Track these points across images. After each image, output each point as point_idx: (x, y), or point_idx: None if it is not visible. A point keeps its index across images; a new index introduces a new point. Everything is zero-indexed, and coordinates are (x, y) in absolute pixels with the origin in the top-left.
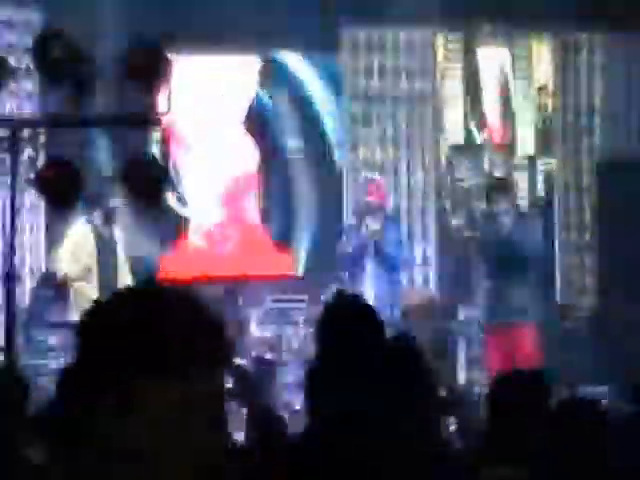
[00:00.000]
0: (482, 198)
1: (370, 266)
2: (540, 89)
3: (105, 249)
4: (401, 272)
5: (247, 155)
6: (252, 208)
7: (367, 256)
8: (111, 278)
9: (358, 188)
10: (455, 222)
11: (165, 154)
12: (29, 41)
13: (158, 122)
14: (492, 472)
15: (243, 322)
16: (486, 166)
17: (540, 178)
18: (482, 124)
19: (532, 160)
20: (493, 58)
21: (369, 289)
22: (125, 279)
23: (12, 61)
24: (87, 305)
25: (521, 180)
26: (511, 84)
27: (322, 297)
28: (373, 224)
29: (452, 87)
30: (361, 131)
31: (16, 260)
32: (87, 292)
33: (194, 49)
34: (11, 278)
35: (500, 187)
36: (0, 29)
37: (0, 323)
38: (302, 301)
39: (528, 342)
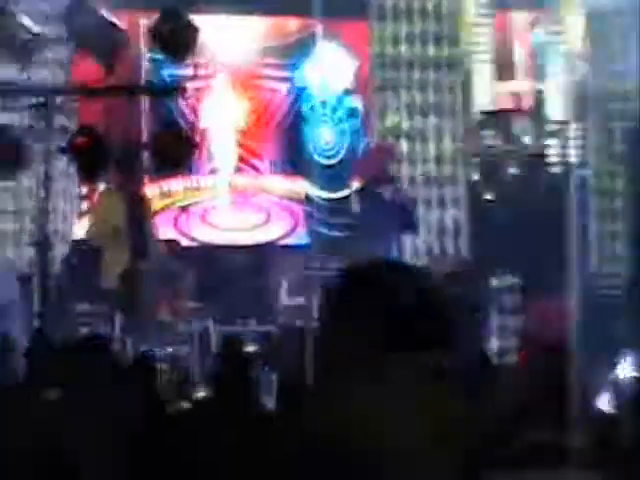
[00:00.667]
0: (513, 164)
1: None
2: (572, 55)
3: (135, 216)
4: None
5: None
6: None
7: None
8: (139, 243)
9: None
10: (485, 189)
11: (191, 121)
12: (62, 10)
13: (184, 90)
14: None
15: (274, 289)
16: (515, 132)
17: (572, 144)
18: (512, 90)
19: (564, 125)
20: (524, 23)
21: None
22: (154, 243)
23: (45, 30)
24: (118, 269)
25: (553, 146)
26: (542, 49)
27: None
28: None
29: (482, 52)
30: (389, 98)
31: (49, 227)
32: (118, 257)
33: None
34: (44, 244)
35: None
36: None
37: (33, 288)
38: (332, 269)
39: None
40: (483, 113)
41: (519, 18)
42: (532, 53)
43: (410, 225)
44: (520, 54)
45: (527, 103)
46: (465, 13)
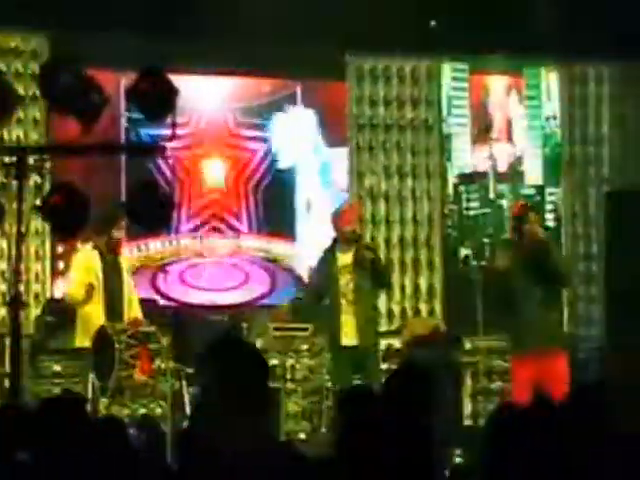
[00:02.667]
0: (489, 228)
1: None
2: (548, 119)
3: (111, 275)
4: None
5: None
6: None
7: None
8: (116, 303)
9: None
10: (463, 252)
11: (170, 180)
12: (36, 69)
13: (163, 149)
14: None
15: None
16: (492, 195)
17: (548, 208)
18: (490, 153)
19: (540, 190)
20: (501, 87)
21: None
22: (130, 305)
23: (19, 89)
24: (92, 329)
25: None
26: (519, 113)
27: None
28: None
29: (459, 116)
30: (366, 160)
31: (21, 287)
32: (93, 317)
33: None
34: (17, 305)
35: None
36: (7, 56)
37: (5, 349)
38: (305, 329)
39: (561, 369)
40: (460, 176)
41: (497, 82)
42: (509, 117)
43: (381, 282)
44: (497, 118)
45: (504, 166)
46: (442, 76)
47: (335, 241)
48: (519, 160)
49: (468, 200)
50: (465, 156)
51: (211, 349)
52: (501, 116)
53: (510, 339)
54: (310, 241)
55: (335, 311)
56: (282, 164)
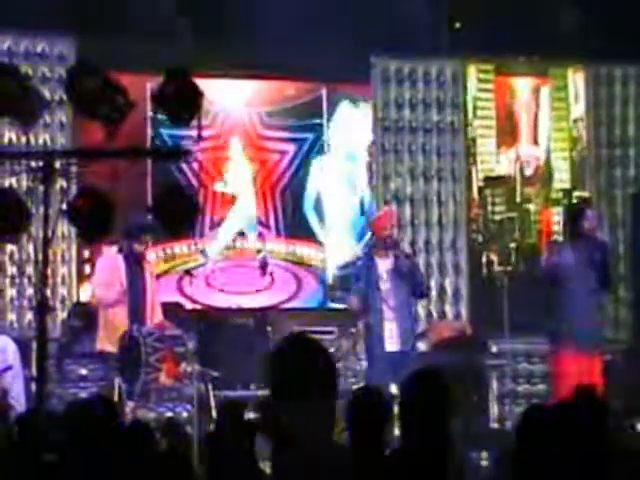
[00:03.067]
0: (515, 232)
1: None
2: (575, 121)
3: (135, 279)
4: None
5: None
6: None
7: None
8: (140, 307)
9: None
10: (489, 256)
11: (196, 185)
12: (62, 73)
13: (189, 153)
14: None
15: None
16: (519, 199)
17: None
18: (516, 156)
19: (567, 193)
20: (527, 89)
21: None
22: (153, 310)
23: (46, 93)
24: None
25: (556, 213)
26: (546, 116)
27: (352, 329)
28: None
29: (484, 118)
30: (392, 163)
31: (48, 291)
32: (117, 320)
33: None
34: (43, 309)
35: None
36: (34, 60)
37: (32, 352)
38: (331, 332)
39: (597, 370)
40: (486, 179)
41: (522, 84)
42: (535, 119)
43: (419, 291)
44: (523, 120)
45: (530, 169)
46: (468, 79)
47: (373, 247)
48: (546, 163)
49: (494, 204)
50: (491, 159)
51: (281, 348)
52: (527, 118)
53: (555, 339)
54: (334, 246)
55: (379, 316)
56: (334, 154)
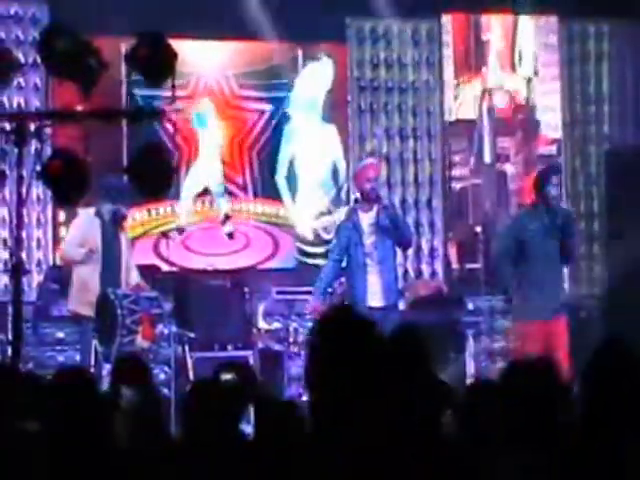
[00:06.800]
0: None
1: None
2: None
3: (110, 242)
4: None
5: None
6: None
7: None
8: (114, 270)
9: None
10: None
11: (171, 146)
12: (36, 35)
13: (163, 114)
14: (510, 460)
15: (250, 314)
16: (488, 158)
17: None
18: (482, 89)
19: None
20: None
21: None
22: (129, 273)
23: (19, 55)
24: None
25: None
26: (530, 42)
27: (329, 289)
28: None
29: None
30: (368, 122)
31: (23, 254)
32: (90, 282)
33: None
34: (18, 271)
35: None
36: (7, 23)
37: (8, 316)
38: (308, 292)
39: (563, 333)
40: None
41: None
42: (512, 44)
43: (405, 241)
44: (494, 46)
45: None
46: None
47: (356, 200)
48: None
49: (451, 165)
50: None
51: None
52: (501, 45)
53: (516, 306)
54: (305, 205)
55: (362, 271)
56: (294, 112)
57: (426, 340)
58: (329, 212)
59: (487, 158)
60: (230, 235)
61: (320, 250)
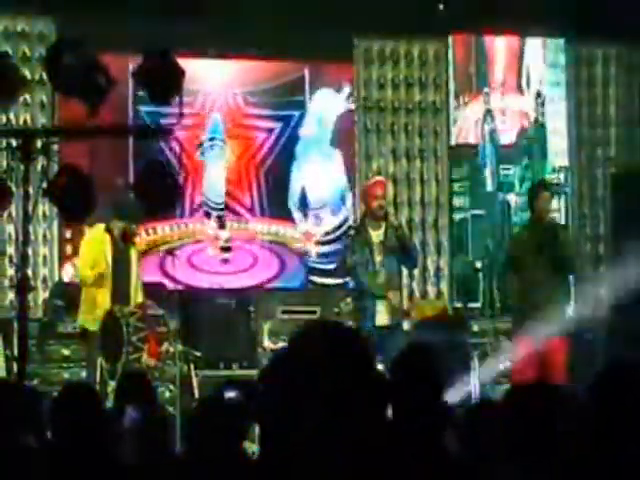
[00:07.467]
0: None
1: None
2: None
3: (120, 260)
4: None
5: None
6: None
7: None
8: (124, 288)
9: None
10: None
11: (177, 165)
12: (43, 52)
13: (170, 132)
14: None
15: (255, 333)
16: (490, 186)
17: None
18: (484, 110)
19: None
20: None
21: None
22: (136, 292)
23: (26, 72)
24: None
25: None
26: (539, 62)
27: (335, 309)
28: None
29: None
30: (374, 143)
31: (29, 270)
32: (99, 299)
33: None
34: (24, 288)
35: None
36: (14, 40)
37: (14, 333)
38: (314, 312)
39: (561, 354)
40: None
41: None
42: (519, 65)
43: (411, 261)
44: (499, 64)
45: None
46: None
47: (364, 218)
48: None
49: (452, 193)
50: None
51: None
52: (505, 64)
53: (515, 322)
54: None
55: (372, 290)
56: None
57: (434, 359)
58: (335, 233)
59: (488, 185)
60: (225, 260)
61: (327, 269)
